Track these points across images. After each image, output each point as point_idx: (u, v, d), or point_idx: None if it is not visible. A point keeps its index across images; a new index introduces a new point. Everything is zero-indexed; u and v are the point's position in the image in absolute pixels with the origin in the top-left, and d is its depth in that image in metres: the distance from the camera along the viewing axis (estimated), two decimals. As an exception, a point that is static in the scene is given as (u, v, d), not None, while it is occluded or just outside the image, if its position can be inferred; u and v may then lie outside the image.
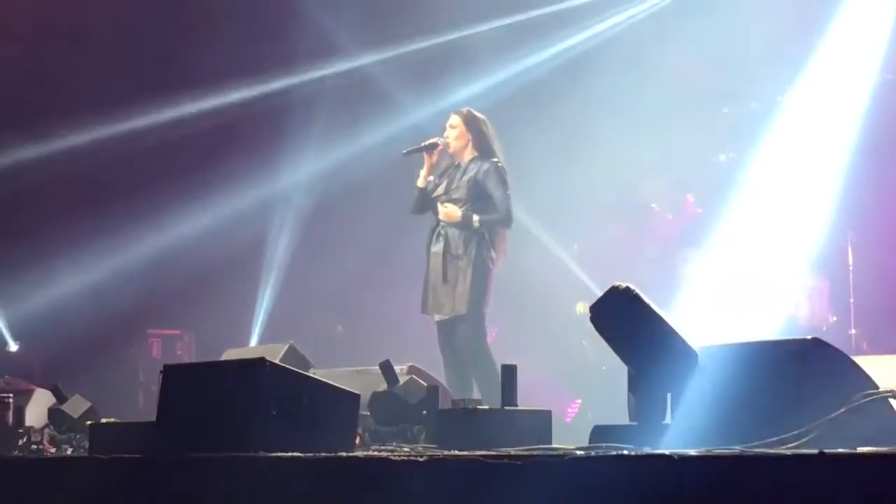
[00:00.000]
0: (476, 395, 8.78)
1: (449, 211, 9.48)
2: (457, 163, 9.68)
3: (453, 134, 9.66)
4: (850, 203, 11.26)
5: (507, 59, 13.36)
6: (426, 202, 9.70)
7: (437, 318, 9.54)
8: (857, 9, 11.58)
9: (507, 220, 9.55)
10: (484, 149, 9.63)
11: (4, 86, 12.99)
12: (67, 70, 13.04)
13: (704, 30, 12.19)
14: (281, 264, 13.73)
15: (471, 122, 9.67)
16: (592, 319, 5.88)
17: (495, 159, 9.56)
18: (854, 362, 5.65)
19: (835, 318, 11.39)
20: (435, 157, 9.70)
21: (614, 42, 13.07)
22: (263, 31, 13.52)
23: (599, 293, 5.93)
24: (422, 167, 9.72)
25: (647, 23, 13.04)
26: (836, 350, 5.68)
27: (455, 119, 9.71)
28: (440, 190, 9.63)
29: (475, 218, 9.42)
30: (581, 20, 13.37)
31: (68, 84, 13.01)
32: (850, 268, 11.37)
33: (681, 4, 12.81)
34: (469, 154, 9.65)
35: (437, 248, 9.51)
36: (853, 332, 11.19)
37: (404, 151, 9.84)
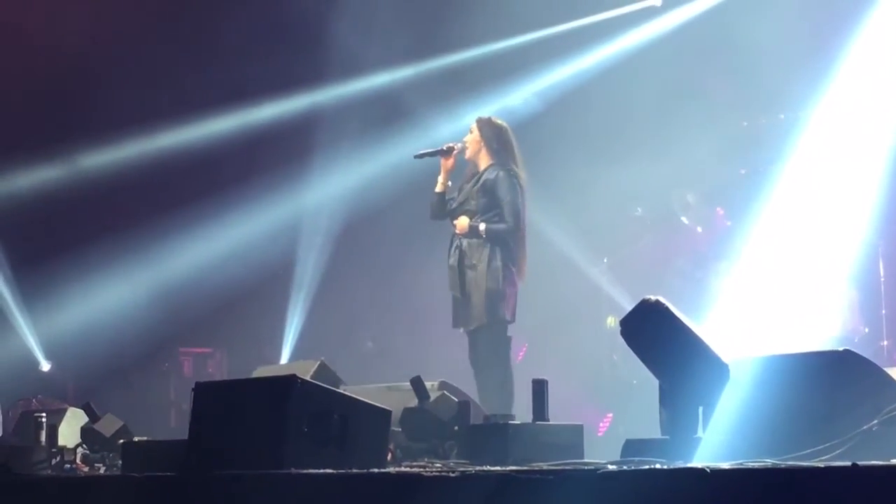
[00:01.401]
0: (514, 409, 8.74)
1: (459, 222, 9.46)
2: (476, 170, 9.62)
3: (469, 139, 9.59)
4: (881, 214, 11.20)
5: (534, 75, 13.36)
6: (445, 209, 9.63)
7: (463, 330, 9.50)
8: (885, 17, 11.52)
9: (514, 229, 9.38)
10: (500, 156, 9.51)
11: (31, 106, 13.05)
12: (97, 90, 13.10)
13: (731, 42, 12.18)
14: (311, 281, 13.73)
15: (485, 128, 9.57)
16: (623, 333, 5.88)
17: (509, 167, 9.45)
18: (886, 373, 5.64)
19: (866, 330, 11.32)
20: (451, 162, 9.58)
21: (641, 56, 13.04)
22: (292, 48, 13.54)
23: (630, 307, 5.92)
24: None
25: (672, 37, 13.01)
26: (868, 361, 5.67)
27: (472, 125, 9.64)
28: (456, 200, 9.58)
29: (482, 227, 9.33)
30: (606, 36, 13.36)
31: (96, 104, 13.06)
32: (882, 279, 11.31)
33: (708, 17, 12.79)
34: (485, 161, 9.54)
35: (453, 260, 9.44)
36: (885, 343, 11.13)
37: (415, 155, 9.77)
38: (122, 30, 13.33)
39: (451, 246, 9.54)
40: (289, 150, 13.47)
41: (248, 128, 13.42)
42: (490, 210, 9.39)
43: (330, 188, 13.64)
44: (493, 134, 9.57)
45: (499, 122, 9.68)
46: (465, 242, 9.42)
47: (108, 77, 13.19)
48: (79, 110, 13.14)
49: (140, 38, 13.44)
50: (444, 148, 9.61)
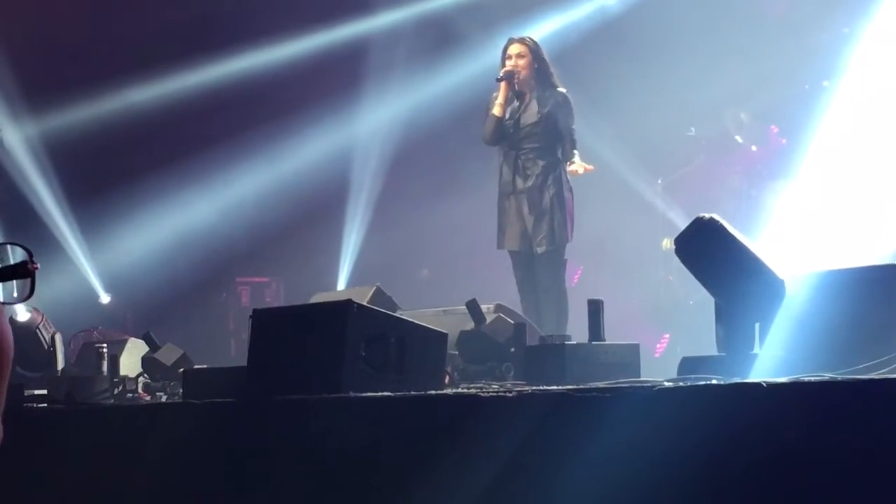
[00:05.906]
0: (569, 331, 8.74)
1: (583, 167, 9.35)
2: (520, 93, 9.49)
3: (522, 63, 9.42)
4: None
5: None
6: (504, 132, 9.52)
7: (539, 250, 9.37)
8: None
9: (573, 151, 9.43)
10: (547, 77, 9.45)
11: (81, 39, 13.11)
12: (148, 23, 13.16)
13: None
14: (365, 209, 13.74)
15: (537, 52, 9.47)
16: (677, 251, 5.86)
17: (562, 89, 9.41)
18: (945, 286, 5.60)
19: (925, 245, 11.22)
20: (515, 86, 9.49)
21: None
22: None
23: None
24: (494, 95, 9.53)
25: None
26: (926, 274, 5.64)
27: (521, 48, 9.46)
28: (512, 125, 9.46)
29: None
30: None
31: (146, 36, 13.13)
32: (941, 192, 11.20)
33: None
34: (531, 84, 9.48)
35: (529, 182, 9.36)
36: (945, 258, 11.04)
37: (498, 77, 9.47)
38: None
39: (514, 166, 9.50)
40: (340, 78, 13.47)
41: (300, 57, 13.40)
42: (553, 136, 9.37)
43: (382, 115, 13.62)
44: (543, 57, 9.51)
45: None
46: (540, 165, 9.38)
47: (159, 11, 13.24)
48: (130, 42, 13.19)
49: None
50: (512, 70, 9.46)
